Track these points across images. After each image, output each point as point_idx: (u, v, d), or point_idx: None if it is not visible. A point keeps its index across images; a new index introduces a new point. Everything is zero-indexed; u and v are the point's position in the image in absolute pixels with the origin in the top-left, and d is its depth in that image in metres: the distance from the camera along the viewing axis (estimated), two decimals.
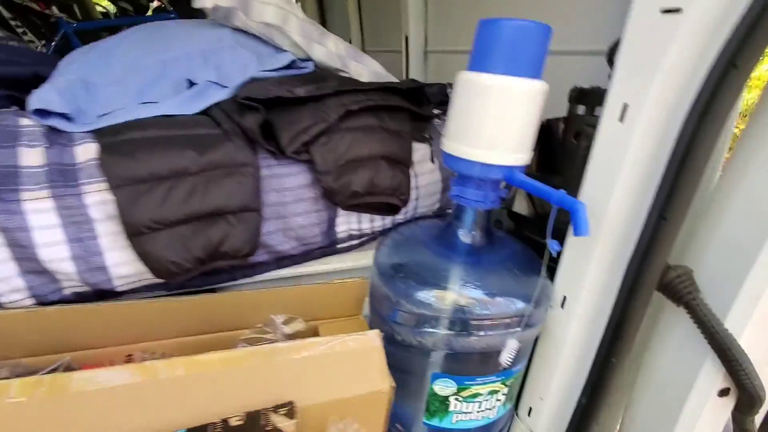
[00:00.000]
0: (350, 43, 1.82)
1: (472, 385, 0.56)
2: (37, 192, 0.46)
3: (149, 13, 2.86)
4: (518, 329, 0.53)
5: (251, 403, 0.46)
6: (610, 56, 0.52)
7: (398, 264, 0.59)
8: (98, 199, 0.48)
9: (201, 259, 0.51)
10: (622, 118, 0.48)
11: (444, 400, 0.57)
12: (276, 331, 0.61)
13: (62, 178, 0.46)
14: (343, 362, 0.52)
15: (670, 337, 0.53)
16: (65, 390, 0.40)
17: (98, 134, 0.50)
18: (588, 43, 0.78)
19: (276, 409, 0.46)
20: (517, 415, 0.69)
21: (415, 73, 1.39)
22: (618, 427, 0.64)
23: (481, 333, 0.53)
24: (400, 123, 0.64)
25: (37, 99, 0.51)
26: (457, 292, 0.53)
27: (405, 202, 0.64)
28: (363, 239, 0.68)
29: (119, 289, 0.53)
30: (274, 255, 0.61)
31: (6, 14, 2.05)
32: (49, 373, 0.51)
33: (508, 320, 0.53)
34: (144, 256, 0.49)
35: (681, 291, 0.48)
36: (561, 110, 0.72)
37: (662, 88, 0.44)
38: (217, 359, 0.47)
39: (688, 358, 0.51)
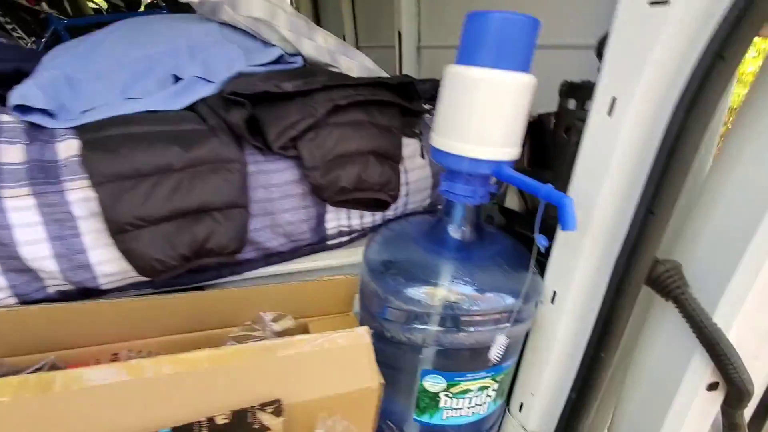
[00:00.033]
0: (344, 39, 1.82)
1: (461, 381, 0.56)
2: (17, 189, 0.45)
3: (141, 9, 2.83)
4: (507, 325, 0.53)
5: (239, 402, 0.46)
6: (599, 50, 0.52)
7: (387, 260, 0.58)
8: (81, 197, 0.47)
9: (186, 257, 0.50)
10: (610, 112, 0.47)
11: (434, 397, 0.57)
12: (265, 328, 0.60)
13: (43, 175, 0.46)
14: (331, 359, 0.52)
15: (660, 331, 0.53)
16: (50, 389, 0.39)
17: (81, 130, 0.49)
18: (579, 37, 0.77)
19: (263, 407, 0.46)
20: (508, 410, 0.69)
21: (409, 69, 1.39)
22: (609, 423, 0.65)
23: (471, 329, 0.53)
24: (390, 118, 0.63)
25: (17, 95, 0.50)
26: (446, 289, 0.53)
27: (394, 197, 0.64)
28: (353, 236, 0.68)
29: (104, 287, 0.52)
30: (263, 252, 0.60)
31: None
32: (33, 372, 0.50)
33: (497, 316, 0.53)
34: (128, 254, 0.48)
35: (669, 285, 0.48)
36: (552, 105, 0.72)
37: (650, 81, 0.44)
38: (203, 357, 0.47)
39: (677, 353, 0.51)
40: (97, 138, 0.48)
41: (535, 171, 0.81)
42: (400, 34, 1.35)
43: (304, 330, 0.64)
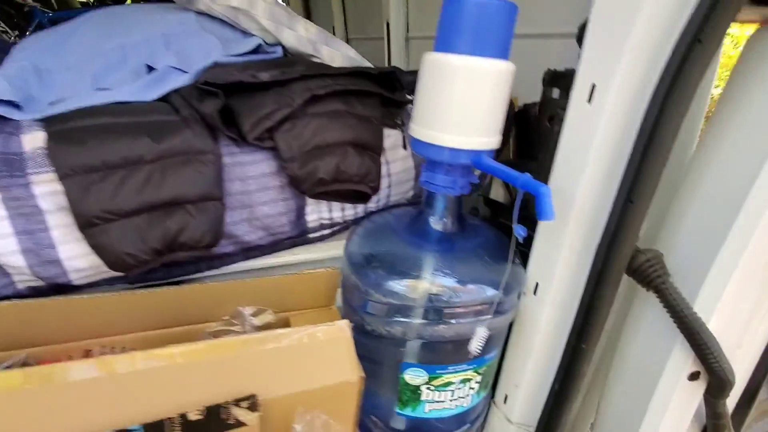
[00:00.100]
0: (333, 31, 1.80)
1: (443, 373, 0.55)
2: None
3: (128, 1, 2.78)
4: (488, 317, 0.52)
5: (214, 397, 0.45)
6: (580, 37, 0.51)
7: (368, 253, 0.57)
8: (48, 190, 0.46)
9: (158, 251, 0.49)
10: (590, 99, 0.47)
11: (415, 390, 0.56)
12: (244, 323, 0.59)
13: (8, 168, 0.44)
14: (310, 353, 0.51)
15: (642, 321, 0.53)
16: (20, 387, 0.38)
17: (47, 122, 0.48)
18: (564, 26, 0.76)
19: (237, 402, 0.45)
20: (493, 402, 0.69)
21: (397, 60, 1.37)
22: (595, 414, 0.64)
23: (451, 321, 0.52)
24: (371, 108, 0.62)
25: None
26: (426, 281, 0.52)
27: (375, 189, 0.63)
28: (335, 228, 0.67)
29: (76, 282, 0.51)
30: (241, 246, 0.59)
31: None
32: (4, 369, 0.49)
33: (478, 308, 0.52)
34: (97, 249, 0.47)
35: (650, 275, 0.47)
36: (538, 94, 0.71)
37: (629, 67, 0.43)
38: (177, 353, 0.46)
39: (658, 343, 0.50)
40: (64, 129, 0.46)
41: (521, 162, 0.80)
42: (388, 24, 1.33)
43: (285, 324, 0.63)
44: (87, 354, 0.51)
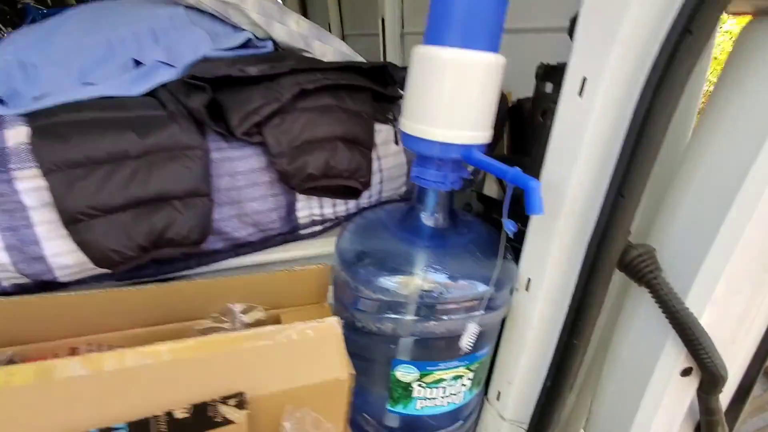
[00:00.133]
0: (329, 27, 1.79)
1: (434, 370, 0.55)
2: None
3: None
4: (478, 313, 0.52)
5: (202, 396, 0.44)
6: (571, 30, 0.50)
7: (359, 250, 0.57)
8: (32, 186, 0.45)
9: (144, 247, 0.48)
10: (581, 93, 0.46)
11: (407, 387, 0.56)
12: (234, 320, 0.59)
13: None
14: (300, 351, 0.50)
15: (634, 317, 0.52)
16: (6, 385, 0.38)
17: (31, 117, 0.47)
18: (558, 20, 0.76)
19: (225, 400, 0.44)
20: (486, 399, 0.68)
21: (392, 56, 1.36)
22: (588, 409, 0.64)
23: (441, 317, 0.51)
24: (361, 103, 0.62)
25: None
26: (417, 277, 0.52)
27: (365, 185, 0.62)
28: (326, 225, 0.66)
29: (62, 279, 0.50)
30: (231, 242, 0.59)
31: None
32: None
33: (468, 304, 0.52)
34: (82, 245, 0.46)
35: (642, 270, 0.46)
36: (532, 89, 0.70)
37: (619, 59, 0.43)
38: (163, 350, 0.45)
39: (650, 339, 0.50)
40: (48, 124, 0.46)
41: (515, 157, 0.80)
42: (383, 20, 1.32)
43: (276, 321, 0.62)
44: (73, 352, 0.50)
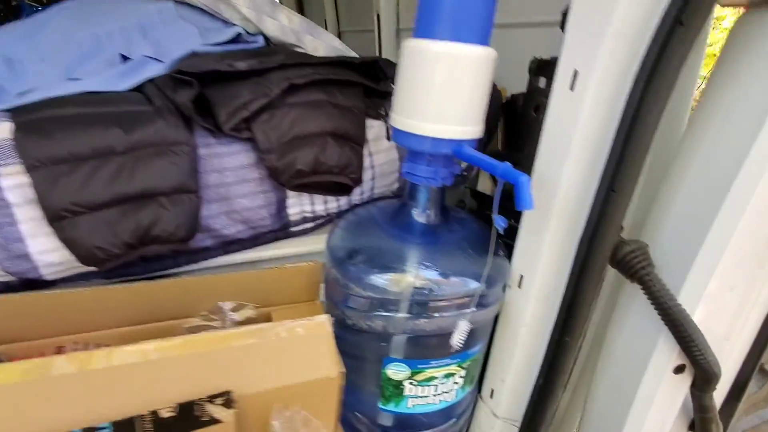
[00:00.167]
0: (326, 23, 1.78)
1: (426, 368, 0.54)
2: None
3: None
4: (469, 310, 0.51)
5: (189, 395, 0.44)
6: (563, 23, 0.50)
7: (349, 247, 0.56)
8: (15, 182, 0.44)
9: (130, 244, 0.48)
10: (572, 86, 0.45)
11: (398, 385, 0.55)
12: (224, 318, 0.58)
13: None
14: (289, 349, 0.50)
15: (628, 314, 0.52)
16: None
17: (15, 113, 0.46)
18: (553, 14, 0.75)
19: (212, 398, 0.44)
20: (480, 397, 0.68)
21: (388, 52, 1.35)
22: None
23: (432, 315, 0.51)
24: (353, 98, 0.61)
25: None
26: (407, 274, 0.51)
27: (357, 181, 0.61)
28: (318, 222, 0.66)
29: (48, 277, 0.50)
30: (220, 239, 0.58)
31: None
32: None
33: (459, 301, 0.51)
34: (67, 242, 0.45)
35: (634, 266, 0.46)
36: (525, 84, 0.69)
37: (611, 52, 0.42)
38: (149, 349, 0.44)
39: (643, 336, 0.49)
40: (31, 120, 0.45)
41: (509, 153, 0.79)
42: (378, 16, 1.32)
43: (267, 319, 0.62)
44: (59, 351, 0.50)
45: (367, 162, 0.64)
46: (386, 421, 0.60)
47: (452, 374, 0.56)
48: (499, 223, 0.46)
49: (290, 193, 0.60)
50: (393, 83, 0.71)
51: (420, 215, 0.56)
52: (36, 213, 0.46)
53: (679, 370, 0.49)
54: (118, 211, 0.46)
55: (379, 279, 0.51)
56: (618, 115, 0.42)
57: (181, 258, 0.57)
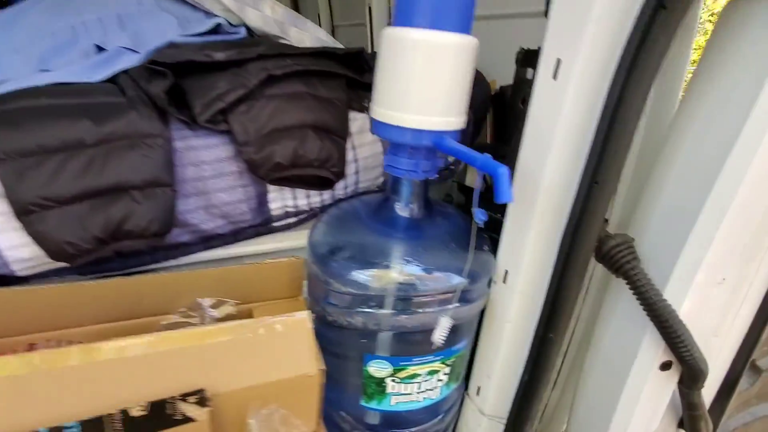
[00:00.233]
0: (319, 18, 1.76)
1: (408, 365, 0.53)
2: None
3: None
4: (451, 306, 0.50)
5: (162, 393, 0.43)
6: (548, 11, 0.48)
7: (330, 242, 0.55)
8: None
9: (101, 239, 0.46)
10: (555, 75, 0.44)
11: (380, 382, 0.54)
12: (204, 315, 0.57)
13: None
14: (268, 346, 0.49)
15: (614, 310, 0.51)
16: None
17: None
18: (540, 4, 0.73)
19: (185, 397, 0.43)
20: (467, 394, 0.67)
21: None
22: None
23: (413, 311, 0.50)
24: (335, 90, 0.59)
25: None
26: (387, 269, 0.50)
27: (338, 175, 0.60)
28: (301, 216, 0.64)
29: (20, 273, 0.49)
30: (199, 235, 0.57)
31: None
32: None
33: (441, 296, 0.50)
34: (36, 237, 0.44)
35: (619, 260, 0.45)
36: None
37: (594, 38, 0.40)
38: (120, 346, 0.43)
39: (629, 332, 0.48)
40: None
41: (497, 146, 0.78)
42: (370, 9, 1.30)
43: (248, 316, 0.61)
44: (31, 348, 0.49)
45: (350, 155, 0.62)
46: (370, 418, 0.59)
47: (436, 371, 0.55)
48: (479, 216, 0.45)
49: (271, 188, 0.59)
50: None
51: (403, 209, 0.55)
52: (4, 208, 0.44)
53: (665, 366, 0.47)
54: (89, 205, 0.45)
55: (360, 275, 0.50)
56: (601, 104, 0.41)
57: (158, 253, 0.56)
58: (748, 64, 0.36)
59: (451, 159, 0.72)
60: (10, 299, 0.48)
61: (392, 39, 0.46)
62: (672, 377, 0.48)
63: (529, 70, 0.64)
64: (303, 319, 0.50)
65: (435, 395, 0.58)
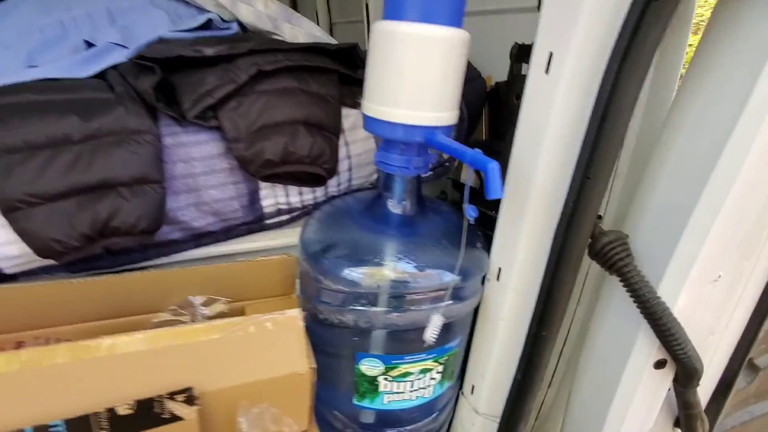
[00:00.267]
0: (317, 15, 1.75)
1: (400, 364, 0.53)
2: None
3: None
4: (444, 303, 0.50)
5: (149, 391, 0.42)
6: (540, 4, 0.47)
7: (322, 239, 0.55)
8: None
9: (89, 236, 0.46)
10: (547, 69, 0.43)
11: (372, 381, 0.54)
12: (195, 313, 0.57)
13: None
14: (258, 344, 0.48)
15: (608, 308, 0.50)
16: None
17: None
18: None
19: (172, 395, 0.42)
20: (461, 393, 0.66)
21: None
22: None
23: (404, 308, 0.49)
24: (327, 86, 0.59)
25: None
26: (379, 267, 0.49)
27: (331, 172, 0.59)
28: (294, 214, 0.64)
29: (8, 271, 0.48)
30: (190, 232, 0.56)
31: None
32: None
33: (433, 294, 0.50)
34: (22, 234, 0.44)
35: (612, 257, 0.44)
36: None
37: (586, 32, 0.40)
38: (108, 344, 0.43)
39: (623, 330, 0.48)
40: None
41: (492, 142, 0.77)
42: (367, 6, 1.29)
43: (240, 314, 0.60)
44: (19, 346, 0.48)
45: (343, 152, 0.62)
46: (363, 417, 0.59)
47: (429, 370, 0.55)
48: (470, 212, 0.44)
49: (263, 185, 0.58)
50: None
51: (395, 206, 0.54)
52: None
53: (660, 365, 0.47)
54: (76, 202, 0.45)
55: (351, 272, 0.50)
56: (593, 98, 0.40)
57: (149, 251, 0.55)
58: (741, 58, 0.35)
59: (445, 156, 0.71)
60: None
61: (382, 33, 0.45)
62: (667, 376, 0.48)
63: (524, 66, 0.63)
64: (294, 316, 0.50)
65: (428, 394, 0.57)
